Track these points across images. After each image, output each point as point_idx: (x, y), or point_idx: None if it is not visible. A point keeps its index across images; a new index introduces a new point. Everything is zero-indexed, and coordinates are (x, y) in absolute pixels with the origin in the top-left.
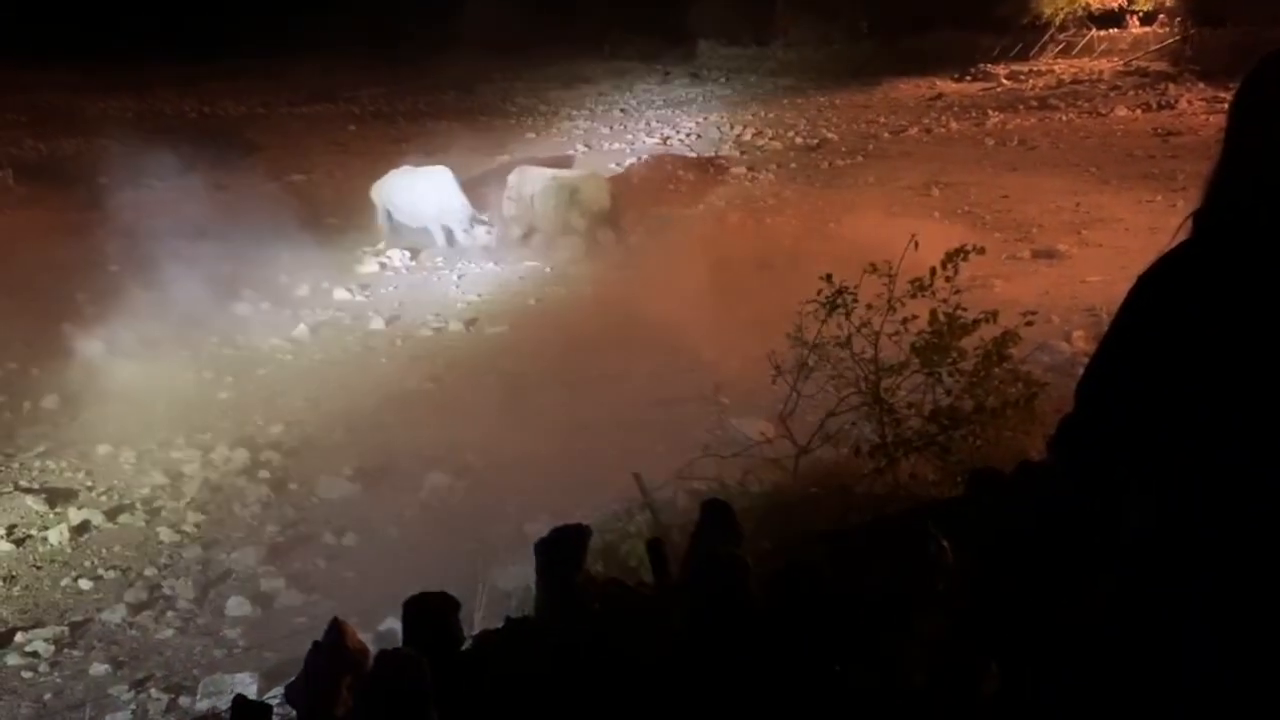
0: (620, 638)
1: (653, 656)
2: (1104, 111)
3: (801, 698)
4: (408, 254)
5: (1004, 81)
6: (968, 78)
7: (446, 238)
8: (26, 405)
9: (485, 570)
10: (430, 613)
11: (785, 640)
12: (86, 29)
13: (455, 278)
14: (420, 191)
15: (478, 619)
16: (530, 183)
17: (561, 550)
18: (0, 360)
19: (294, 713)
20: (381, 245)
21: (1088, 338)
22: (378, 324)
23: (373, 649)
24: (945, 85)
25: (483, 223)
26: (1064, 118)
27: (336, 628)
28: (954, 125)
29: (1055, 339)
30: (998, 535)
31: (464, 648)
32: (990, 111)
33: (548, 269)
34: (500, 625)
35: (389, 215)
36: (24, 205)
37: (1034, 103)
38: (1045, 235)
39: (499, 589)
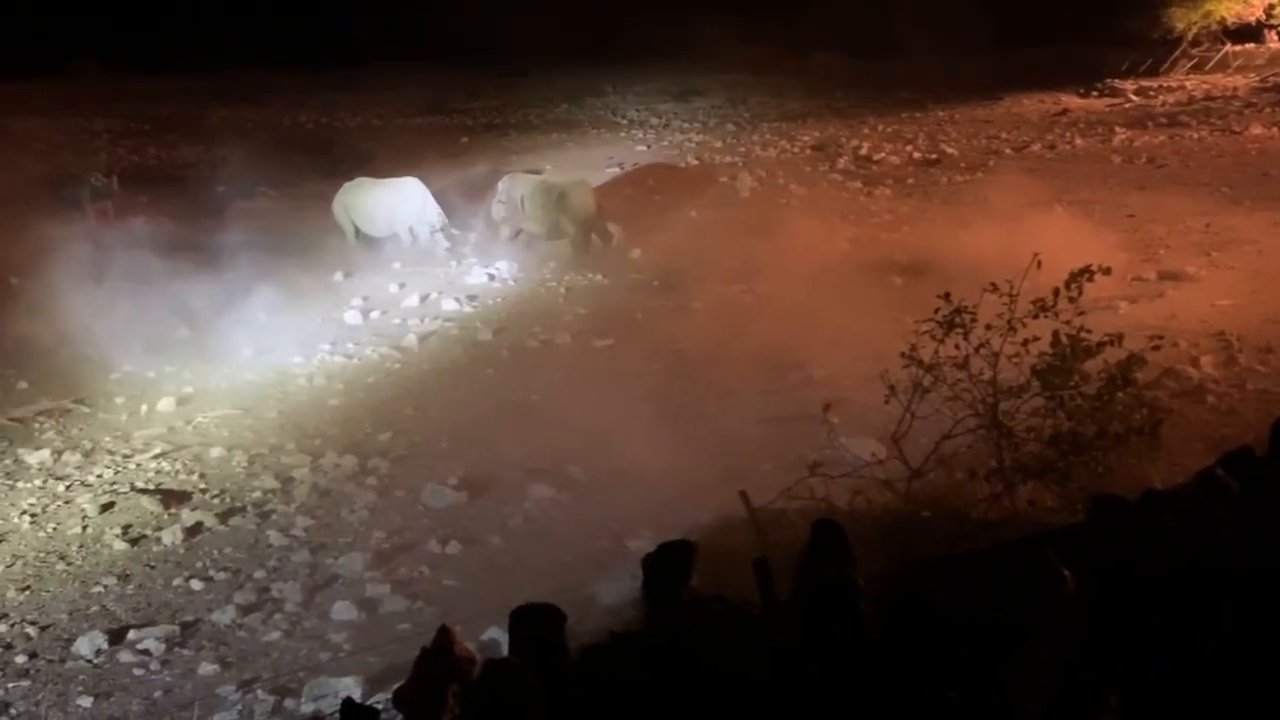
0: (725, 656)
1: (757, 676)
2: (1238, 129)
3: None
4: (516, 265)
5: (1132, 97)
6: (1094, 93)
7: (415, 242)
8: (144, 408)
9: (587, 583)
10: (537, 624)
11: (897, 665)
12: (211, 41)
13: (563, 290)
14: (390, 201)
15: (579, 632)
16: (520, 186)
17: (668, 566)
18: (119, 363)
19: (400, 717)
20: (352, 252)
21: (1216, 363)
22: (485, 335)
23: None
24: (1070, 100)
25: (452, 231)
26: (1195, 135)
27: (445, 635)
28: (1079, 142)
29: (1182, 364)
30: (1121, 564)
31: (569, 660)
32: (1117, 128)
33: (655, 283)
34: (603, 639)
35: (353, 226)
36: (142, 210)
37: (1163, 119)
38: (1173, 256)
39: (600, 602)
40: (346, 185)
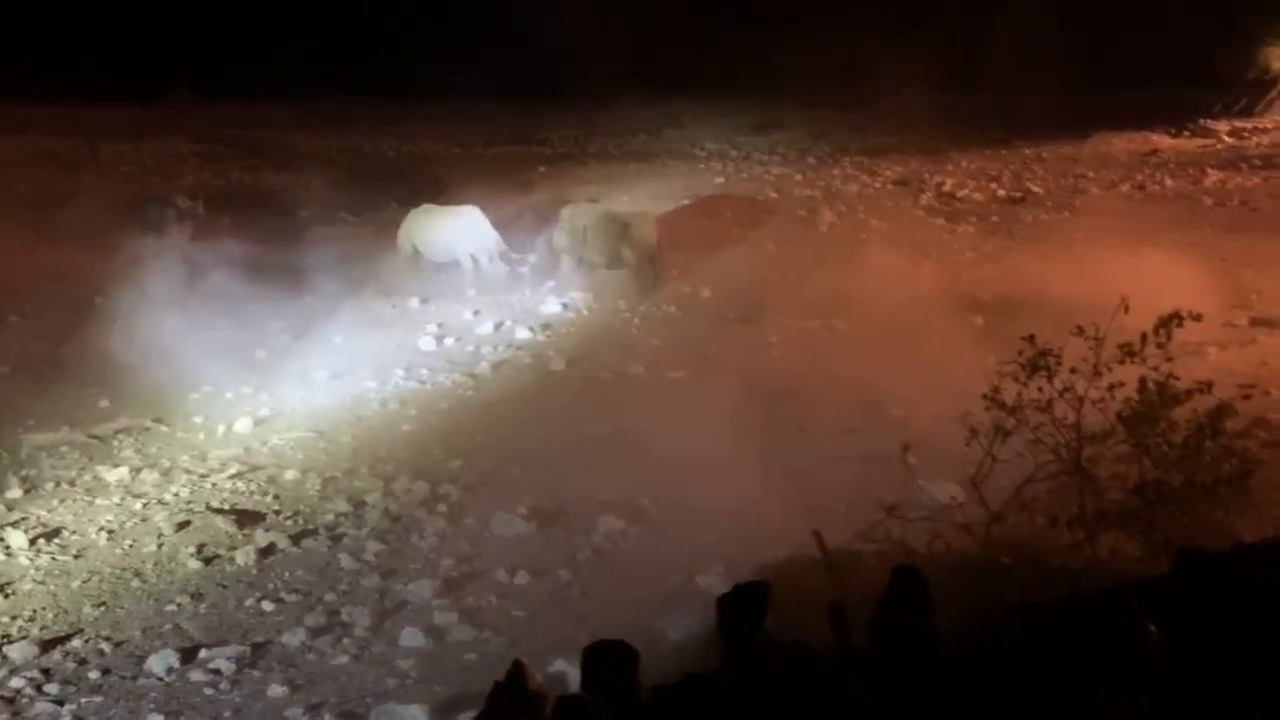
0: (799, 701)
1: None
2: None
3: None
4: (590, 295)
5: (1225, 138)
6: (1185, 133)
7: (475, 268)
8: (221, 428)
9: (655, 618)
10: (610, 661)
11: (976, 714)
12: (298, 69)
13: (636, 321)
14: (452, 228)
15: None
16: (582, 216)
17: (743, 607)
18: (198, 383)
19: None
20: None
21: None
22: (558, 364)
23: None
24: (1161, 140)
25: (513, 256)
26: None
27: (519, 669)
28: (1169, 182)
29: (1274, 413)
30: (1207, 619)
31: (641, 698)
32: (1209, 169)
33: (730, 315)
34: (675, 678)
35: (416, 251)
36: (225, 233)
37: (1258, 161)
38: (1266, 302)
39: (669, 639)
40: (412, 212)
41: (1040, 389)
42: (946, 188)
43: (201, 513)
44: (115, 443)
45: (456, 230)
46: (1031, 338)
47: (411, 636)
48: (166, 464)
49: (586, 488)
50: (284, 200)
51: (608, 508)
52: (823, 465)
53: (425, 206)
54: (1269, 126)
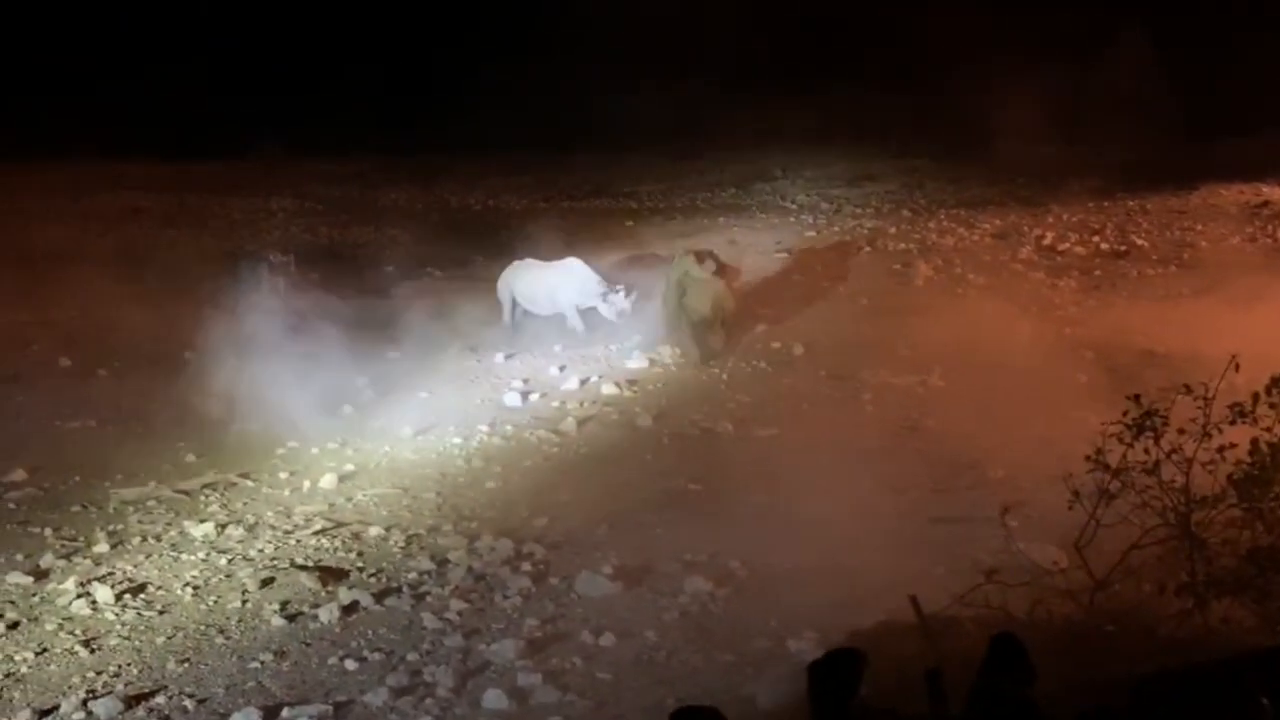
0: None
1: None
2: None
3: None
4: (677, 351)
5: None
6: None
7: (582, 318)
8: (305, 484)
9: (745, 683)
10: None
11: None
12: (386, 124)
13: (725, 376)
14: (554, 281)
15: None
16: (673, 270)
17: (836, 674)
18: (284, 438)
19: None
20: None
21: None
22: (645, 421)
23: None
24: (1272, 192)
25: (616, 291)
26: None
27: None
28: None
29: None
30: None
31: None
32: None
33: (822, 372)
34: None
35: (516, 306)
36: (313, 288)
37: None
38: None
39: (758, 705)
40: (512, 265)
41: (1147, 450)
42: (1047, 241)
43: (286, 569)
44: (201, 498)
45: (560, 283)
46: (1137, 397)
47: (495, 699)
48: (252, 520)
49: (673, 548)
50: (370, 255)
51: (695, 568)
52: (919, 527)
53: (525, 260)
54: None
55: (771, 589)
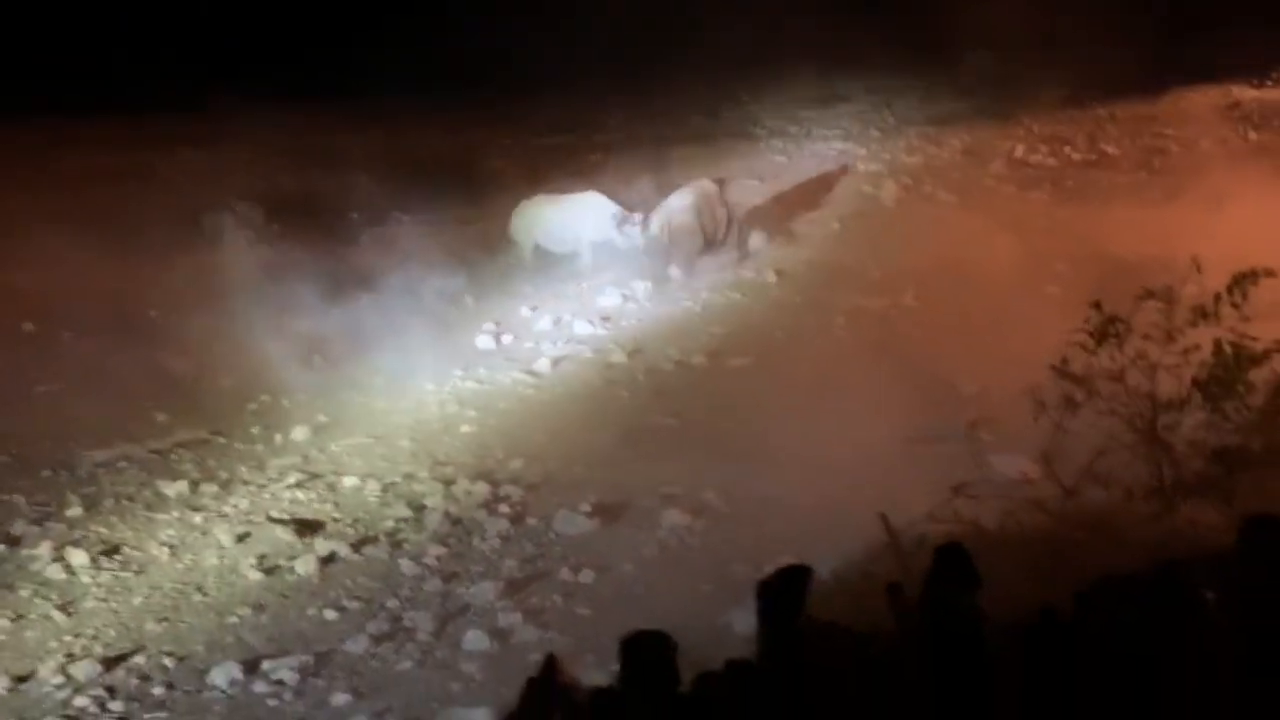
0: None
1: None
2: None
3: None
4: (650, 285)
5: None
6: (1269, 83)
7: (596, 252)
8: (278, 437)
9: (724, 612)
10: (648, 652)
11: (1031, 693)
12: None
13: (699, 309)
14: (574, 214)
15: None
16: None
17: (782, 593)
18: (255, 393)
19: None
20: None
21: None
22: (619, 357)
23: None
24: (1243, 93)
25: (634, 223)
26: None
27: (550, 663)
28: (1253, 136)
29: None
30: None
31: (679, 688)
32: None
33: (795, 298)
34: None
35: (534, 243)
36: (277, 240)
37: None
38: None
39: (735, 631)
40: (525, 203)
41: (1111, 358)
42: (1017, 154)
43: (261, 523)
44: (174, 457)
45: (581, 218)
46: (1099, 304)
47: (475, 639)
48: (225, 476)
49: (650, 482)
50: (334, 202)
51: (672, 501)
52: (893, 447)
53: (538, 196)
54: None
55: (748, 517)
